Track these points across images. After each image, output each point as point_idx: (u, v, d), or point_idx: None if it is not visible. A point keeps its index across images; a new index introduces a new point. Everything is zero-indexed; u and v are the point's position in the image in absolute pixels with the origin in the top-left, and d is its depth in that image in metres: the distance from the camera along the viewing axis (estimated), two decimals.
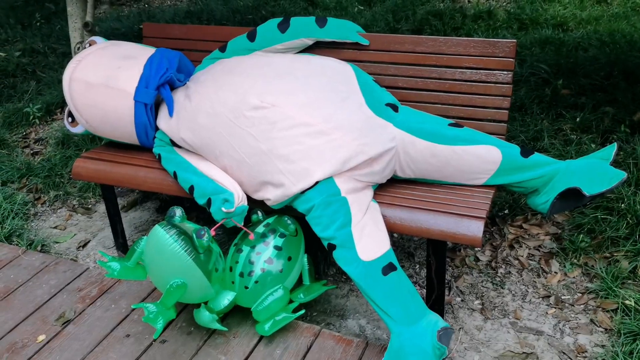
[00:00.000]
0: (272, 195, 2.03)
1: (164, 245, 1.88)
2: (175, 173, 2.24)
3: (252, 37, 2.42)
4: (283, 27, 2.38)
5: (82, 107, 2.39)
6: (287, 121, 1.99)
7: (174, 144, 2.30)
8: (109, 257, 2.13)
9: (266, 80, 2.11)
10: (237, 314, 2.16)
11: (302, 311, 2.04)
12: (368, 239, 1.90)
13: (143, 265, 2.13)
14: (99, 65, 2.36)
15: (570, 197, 2.05)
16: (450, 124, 2.10)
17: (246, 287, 2.03)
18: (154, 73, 2.30)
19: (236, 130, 2.05)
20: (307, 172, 1.95)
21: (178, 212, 2.04)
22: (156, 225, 1.95)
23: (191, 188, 2.17)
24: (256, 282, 2.01)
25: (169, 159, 2.29)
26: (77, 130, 2.55)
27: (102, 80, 2.32)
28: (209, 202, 2.11)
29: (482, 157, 2.05)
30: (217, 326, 1.96)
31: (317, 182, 1.95)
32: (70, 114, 2.54)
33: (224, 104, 2.10)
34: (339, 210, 1.92)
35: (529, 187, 2.12)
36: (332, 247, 1.92)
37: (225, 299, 2.03)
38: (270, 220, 2.14)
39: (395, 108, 2.15)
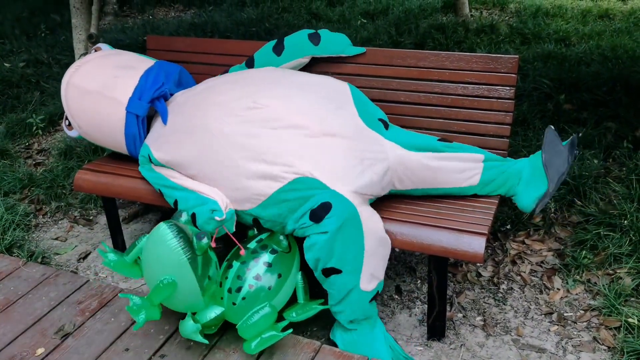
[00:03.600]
0: (262, 187, 2.00)
1: (163, 238, 1.87)
2: (160, 190, 2.25)
3: (250, 64, 2.46)
4: (278, 49, 2.41)
5: (76, 112, 2.41)
6: (279, 121, 2.01)
7: (153, 160, 2.28)
8: (109, 248, 2.12)
9: (261, 87, 2.14)
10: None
11: (290, 330, 2.00)
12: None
13: (139, 265, 2.11)
14: (97, 72, 2.38)
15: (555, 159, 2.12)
16: (439, 140, 2.12)
17: (234, 304, 2.00)
18: (149, 86, 2.31)
19: (221, 141, 2.05)
20: (295, 165, 1.96)
21: (185, 215, 2.05)
22: (161, 222, 1.94)
23: (175, 202, 2.17)
24: (244, 298, 1.98)
25: (150, 176, 2.29)
26: (73, 134, 2.57)
27: (97, 87, 2.34)
28: (193, 217, 2.09)
29: (465, 157, 2.11)
30: (199, 338, 1.92)
31: (306, 176, 1.95)
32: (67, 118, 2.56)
33: (210, 115, 2.11)
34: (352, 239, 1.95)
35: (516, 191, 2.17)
36: (336, 271, 1.94)
37: (213, 312, 2.00)
38: (263, 236, 2.12)
39: (386, 125, 2.17)
